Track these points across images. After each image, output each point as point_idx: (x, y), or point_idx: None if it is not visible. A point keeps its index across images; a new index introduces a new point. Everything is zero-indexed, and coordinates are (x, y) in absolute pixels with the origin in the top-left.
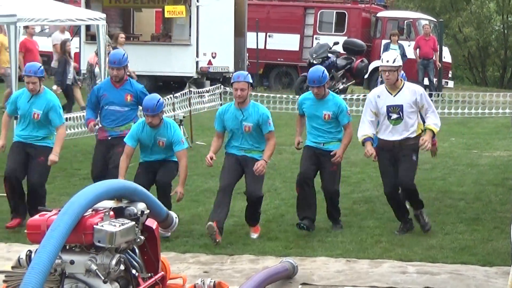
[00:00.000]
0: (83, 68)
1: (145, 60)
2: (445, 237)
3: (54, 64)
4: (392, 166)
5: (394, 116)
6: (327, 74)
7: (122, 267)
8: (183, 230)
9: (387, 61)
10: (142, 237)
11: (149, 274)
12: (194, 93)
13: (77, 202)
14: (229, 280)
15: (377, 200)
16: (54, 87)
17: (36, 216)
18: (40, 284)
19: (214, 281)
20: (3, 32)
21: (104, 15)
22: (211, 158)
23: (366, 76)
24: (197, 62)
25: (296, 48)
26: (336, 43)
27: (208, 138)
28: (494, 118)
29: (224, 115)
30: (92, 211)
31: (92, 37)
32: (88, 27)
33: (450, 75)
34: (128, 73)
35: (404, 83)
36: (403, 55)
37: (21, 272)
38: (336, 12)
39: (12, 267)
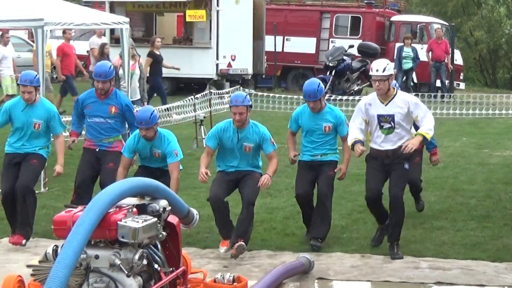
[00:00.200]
0: None
1: (168, 62)
2: (457, 234)
3: (92, 68)
4: (381, 173)
5: (386, 125)
6: (323, 87)
7: (144, 261)
8: (204, 227)
9: (377, 70)
10: (164, 233)
11: (171, 269)
12: (214, 94)
13: (101, 199)
14: (247, 274)
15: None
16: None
17: (62, 212)
18: (66, 278)
19: (233, 275)
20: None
21: (127, 19)
22: (206, 174)
23: None
24: (217, 65)
25: (313, 51)
26: (351, 46)
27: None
28: (504, 119)
29: (222, 134)
30: (116, 208)
31: (116, 40)
32: (112, 31)
33: (461, 77)
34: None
35: (396, 92)
36: (416, 57)
37: (48, 266)
38: (351, 16)
39: (40, 262)
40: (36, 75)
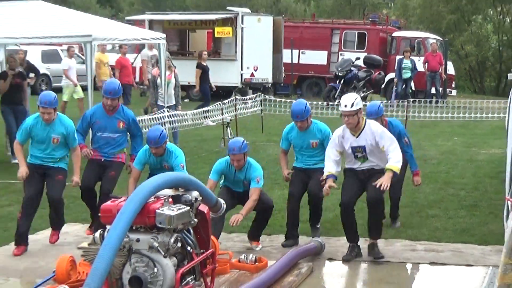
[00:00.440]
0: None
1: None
2: (448, 221)
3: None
4: (358, 185)
5: (360, 155)
6: (309, 108)
7: (179, 244)
8: (230, 214)
9: (345, 106)
10: (196, 220)
11: (202, 250)
12: (239, 100)
13: (142, 191)
14: (267, 255)
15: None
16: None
17: (108, 202)
18: (111, 258)
19: (255, 256)
20: (101, 51)
21: (164, 35)
22: None
23: (383, 86)
24: (241, 74)
25: (324, 62)
26: (357, 58)
27: (250, 138)
28: (490, 121)
29: (225, 172)
30: (154, 198)
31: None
32: (144, 46)
33: (453, 85)
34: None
35: (365, 124)
36: (414, 68)
37: (96, 248)
38: (358, 32)
39: (89, 244)
40: (55, 97)
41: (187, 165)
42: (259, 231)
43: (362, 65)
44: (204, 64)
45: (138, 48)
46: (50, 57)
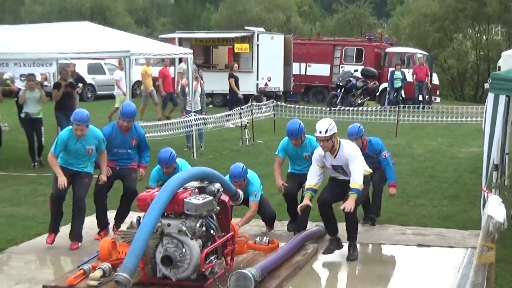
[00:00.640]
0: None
1: (221, 82)
2: (433, 209)
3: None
4: (338, 190)
5: (340, 170)
6: (303, 127)
7: (203, 228)
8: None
9: (320, 132)
10: (218, 208)
11: (223, 234)
12: (255, 106)
13: (172, 183)
14: (279, 238)
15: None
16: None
17: (144, 192)
18: (146, 240)
19: (268, 239)
20: (146, 64)
21: (191, 51)
22: None
23: (377, 94)
24: (257, 84)
25: (327, 74)
26: (356, 70)
27: (264, 138)
28: (469, 124)
29: None
30: (183, 189)
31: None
32: (180, 59)
33: (437, 93)
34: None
35: (340, 146)
36: (404, 79)
37: (133, 231)
38: (356, 48)
39: (127, 228)
40: (88, 115)
41: (211, 161)
42: (271, 222)
43: (360, 76)
44: (235, 74)
45: (170, 62)
46: (95, 69)
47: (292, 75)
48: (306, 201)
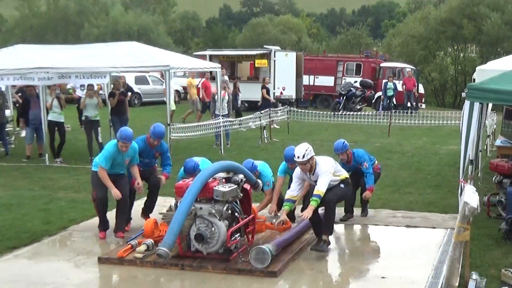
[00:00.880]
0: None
1: (244, 91)
2: (419, 196)
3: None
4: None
5: None
6: None
7: (229, 211)
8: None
9: (298, 157)
10: (241, 194)
11: (245, 216)
12: (272, 111)
13: (203, 174)
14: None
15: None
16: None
17: (180, 182)
18: (182, 221)
19: (282, 220)
20: (191, 77)
21: (220, 65)
22: None
23: (373, 101)
24: (274, 93)
25: (332, 84)
26: (355, 82)
27: (280, 136)
28: (449, 126)
29: None
30: (212, 179)
31: (212, 78)
32: (210, 72)
33: (423, 101)
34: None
35: (316, 164)
36: (395, 88)
37: (172, 213)
38: (355, 63)
39: (167, 211)
40: (132, 133)
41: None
42: None
43: (359, 86)
44: (267, 86)
45: (202, 74)
46: (141, 80)
47: (303, 85)
48: (283, 217)
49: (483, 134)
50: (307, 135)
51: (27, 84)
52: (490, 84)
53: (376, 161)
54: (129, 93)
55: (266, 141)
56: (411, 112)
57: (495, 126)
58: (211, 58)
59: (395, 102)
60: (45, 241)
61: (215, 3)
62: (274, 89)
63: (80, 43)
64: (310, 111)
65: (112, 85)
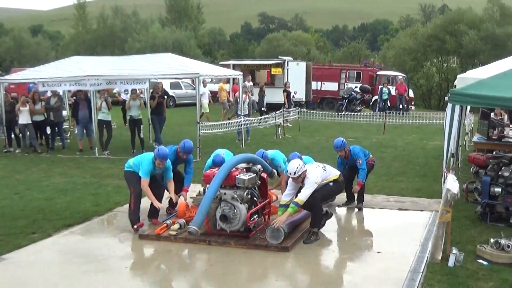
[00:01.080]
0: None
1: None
2: (409, 184)
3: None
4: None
5: None
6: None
7: (249, 196)
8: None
9: (290, 173)
10: (259, 182)
11: (262, 200)
12: (285, 111)
13: (227, 165)
14: None
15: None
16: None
17: (208, 171)
18: (209, 204)
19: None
20: (223, 82)
21: (241, 73)
22: None
23: (371, 104)
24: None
25: (336, 89)
26: (356, 87)
27: (292, 134)
28: (435, 125)
29: None
30: (235, 169)
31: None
32: (233, 79)
33: (413, 103)
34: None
35: (306, 175)
36: (389, 93)
37: (200, 197)
38: (356, 72)
39: (196, 195)
40: (168, 153)
41: (254, 150)
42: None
43: (359, 91)
44: (289, 89)
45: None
46: (175, 86)
47: (311, 90)
48: (282, 219)
49: (462, 131)
50: (315, 132)
51: (79, 89)
52: (469, 90)
53: (370, 155)
54: (165, 97)
55: (280, 137)
56: (403, 113)
57: (472, 125)
58: (234, 67)
59: (389, 104)
60: (95, 220)
61: (238, 21)
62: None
63: (125, 55)
64: (318, 112)
65: (151, 90)
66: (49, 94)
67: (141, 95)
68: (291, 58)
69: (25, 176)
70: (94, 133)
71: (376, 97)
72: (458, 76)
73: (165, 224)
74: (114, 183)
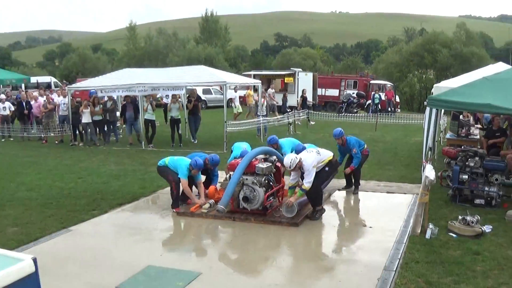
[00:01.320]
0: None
1: (278, 99)
2: (395, 172)
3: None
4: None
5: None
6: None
7: (266, 181)
8: None
9: (288, 166)
10: (274, 170)
11: (277, 184)
12: (296, 112)
13: (249, 156)
14: None
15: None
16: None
17: (233, 160)
18: (234, 187)
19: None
20: (250, 89)
21: (260, 81)
22: None
23: (365, 107)
24: (297, 100)
25: (337, 95)
26: (353, 93)
27: (301, 130)
28: (416, 124)
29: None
30: (255, 159)
31: (255, 90)
32: (254, 86)
33: (398, 107)
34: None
35: (303, 164)
36: (380, 98)
37: (227, 182)
38: (353, 81)
39: (223, 181)
40: (202, 165)
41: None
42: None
43: (355, 96)
44: (305, 95)
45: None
46: (206, 91)
47: (317, 95)
48: (294, 199)
49: (438, 130)
50: (320, 129)
51: (128, 94)
52: (443, 97)
53: (365, 146)
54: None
55: (292, 133)
56: (391, 114)
57: (445, 124)
58: (254, 76)
59: (380, 107)
60: (142, 200)
61: (257, 39)
62: (297, 97)
63: (166, 67)
64: (322, 113)
65: (188, 95)
66: (106, 98)
67: (179, 99)
68: (301, 69)
69: (87, 164)
70: (141, 130)
71: (369, 101)
72: (435, 85)
73: (198, 204)
74: (155, 171)
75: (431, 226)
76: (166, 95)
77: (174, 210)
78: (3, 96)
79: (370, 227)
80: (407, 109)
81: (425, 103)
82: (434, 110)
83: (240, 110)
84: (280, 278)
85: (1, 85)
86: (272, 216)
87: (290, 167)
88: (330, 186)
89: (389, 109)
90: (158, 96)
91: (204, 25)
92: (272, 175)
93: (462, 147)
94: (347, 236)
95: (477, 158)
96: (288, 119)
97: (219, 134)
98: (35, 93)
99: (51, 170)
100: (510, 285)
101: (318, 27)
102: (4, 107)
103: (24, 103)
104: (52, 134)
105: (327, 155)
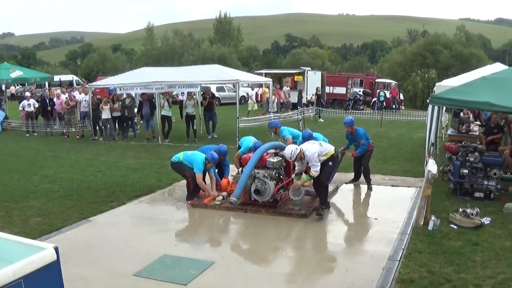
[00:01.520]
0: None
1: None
2: (399, 166)
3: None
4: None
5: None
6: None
7: (277, 174)
8: None
9: (289, 158)
10: (284, 164)
11: (286, 177)
12: (305, 108)
13: (260, 150)
14: None
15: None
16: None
17: (245, 155)
18: (246, 180)
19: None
20: (265, 87)
21: (271, 80)
22: None
23: (371, 104)
24: (306, 97)
25: (344, 92)
26: (359, 91)
27: (309, 126)
28: (419, 121)
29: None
30: (266, 153)
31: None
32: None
33: (403, 104)
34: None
35: (305, 154)
36: (385, 96)
37: (239, 176)
38: (360, 79)
39: (236, 174)
40: (218, 159)
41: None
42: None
43: (362, 94)
44: (319, 93)
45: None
46: (220, 89)
47: (325, 93)
48: (300, 182)
49: (439, 126)
50: (328, 125)
51: (145, 92)
52: (444, 95)
53: (371, 141)
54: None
55: (301, 129)
56: (395, 111)
57: (447, 121)
58: (266, 75)
59: (385, 105)
60: (158, 192)
61: (269, 39)
62: (307, 95)
63: (182, 66)
64: (330, 110)
65: (202, 92)
66: (124, 96)
67: (194, 96)
68: (309, 68)
69: (106, 158)
70: (156, 125)
71: (375, 99)
72: (436, 84)
73: (211, 196)
74: None
75: (433, 218)
76: (181, 93)
77: (189, 202)
78: (28, 94)
79: (376, 218)
80: (410, 107)
81: (428, 100)
82: (436, 108)
83: (256, 107)
84: (289, 267)
85: (26, 83)
86: (282, 208)
87: (291, 158)
88: (337, 179)
89: (394, 107)
90: (174, 93)
91: (218, 26)
92: (282, 168)
93: (463, 143)
94: (353, 227)
95: (476, 154)
96: (298, 115)
97: (231, 130)
98: (58, 91)
99: (72, 164)
100: (508, 274)
101: (326, 28)
102: (29, 104)
103: (47, 100)
104: (73, 130)
105: (329, 148)
